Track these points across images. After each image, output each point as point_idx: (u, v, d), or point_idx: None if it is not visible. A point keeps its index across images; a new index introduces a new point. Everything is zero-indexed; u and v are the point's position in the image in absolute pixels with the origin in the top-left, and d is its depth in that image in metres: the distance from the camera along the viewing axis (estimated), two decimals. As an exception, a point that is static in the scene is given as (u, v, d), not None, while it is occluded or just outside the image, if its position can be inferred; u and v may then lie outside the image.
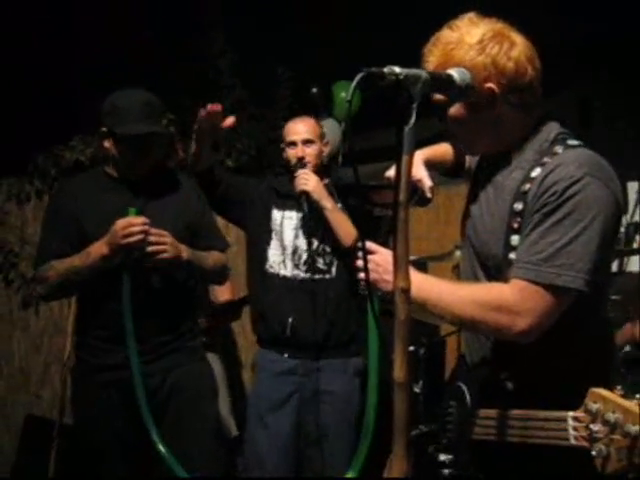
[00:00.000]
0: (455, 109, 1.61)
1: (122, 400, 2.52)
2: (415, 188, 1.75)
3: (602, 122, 4.70)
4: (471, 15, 1.62)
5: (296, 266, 2.96)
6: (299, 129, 3.03)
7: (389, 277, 1.53)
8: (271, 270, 2.98)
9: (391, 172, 1.83)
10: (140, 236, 2.38)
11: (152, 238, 2.41)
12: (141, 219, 2.40)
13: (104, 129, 2.53)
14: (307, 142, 3.00)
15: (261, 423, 2.93)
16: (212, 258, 2.67)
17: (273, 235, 3.00)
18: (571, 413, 1.36)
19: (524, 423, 1.50)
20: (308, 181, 2.90)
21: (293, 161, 3.00)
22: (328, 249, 2.98)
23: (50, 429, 3.89)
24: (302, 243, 2.97)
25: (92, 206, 2.54)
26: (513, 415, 1.54)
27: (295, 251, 2.97)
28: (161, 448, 2.44)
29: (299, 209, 2.98)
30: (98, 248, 2.41)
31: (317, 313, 2.91)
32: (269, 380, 2.96)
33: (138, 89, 2.53)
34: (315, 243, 2.96)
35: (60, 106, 4.60)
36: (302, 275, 2.96)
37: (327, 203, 2.90)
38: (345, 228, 2.90)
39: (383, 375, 2.16)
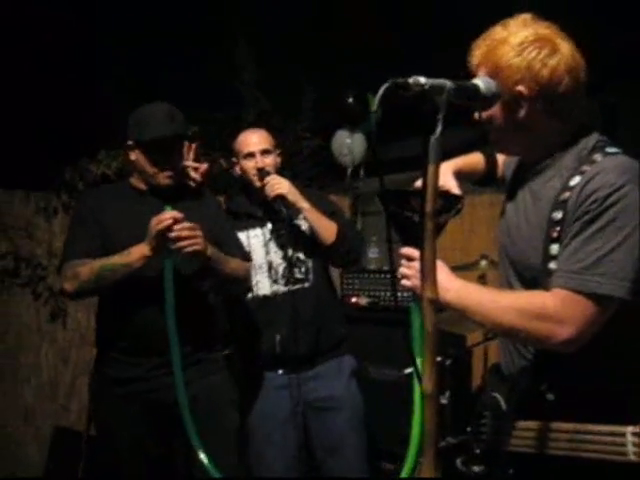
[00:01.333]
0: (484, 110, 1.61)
1: (144, 412, 2.52)
2: (454, 198, 1.74)
3: (628, 128, 4.66)
4: (526, 16, 1.61)
5: (274, 282, 2.92)
6: (255, 140, 2.96)
7: None
8: (250, 294, 2.91)
9: (420, 182, 1.82)
10: (171, 222, 2.37)
11: (185, 232, 2.40)
12: (177, 213, 2.41)
13: (130, 142, 2.58)
14: (265, 152, 2.94)
15: (268, 440, 2.89)
16: (235, 262, 2.67)
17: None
18: (630, 428, 1.32)
19: (573, 436, 1.47)
20: (281, 184, 2.84)
21: (252, 173, 2.93)
22: (302, 256, 2.94)
23: (78, 440, 3.91)
24: (275, 257, 2.92)
25: (118, 216, 2.56)
26: (559, 427, 1.51)
27: (270, 267, 2.93)
28: (202, 455, 2.44)
29: (263, 224, 2.94)
30: (140, 247, 2.41)
31: (303, 324, 2.87)
32: (270, 397, 2.91)
33: (160, 102, 2.58)
34: (290, 252, 2.91)
35: (86, 120, 4.66)
36: (282, 289, 2.91)
37: (304, 204, 2.85)
38: (325, 224, 2.87)
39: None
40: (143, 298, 2.48)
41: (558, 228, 1.53)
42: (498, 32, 1.59)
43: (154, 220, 2.38)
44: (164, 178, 2.57)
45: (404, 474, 2.36)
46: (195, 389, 2.56)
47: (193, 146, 2.91)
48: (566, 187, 1.54)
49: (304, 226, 2.94)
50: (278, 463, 2.88)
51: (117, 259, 2.43)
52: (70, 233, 2.65)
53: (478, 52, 1.60)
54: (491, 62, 1.55)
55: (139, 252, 2.40)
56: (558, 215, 1.53)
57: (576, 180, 1.52)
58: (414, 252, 1.60)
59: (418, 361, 1.82)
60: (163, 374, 2.49)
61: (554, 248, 1.54)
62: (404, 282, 1.62)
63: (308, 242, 2.94)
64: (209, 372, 2.64)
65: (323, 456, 2.95)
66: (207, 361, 2.65)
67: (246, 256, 2.80)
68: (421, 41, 4.87)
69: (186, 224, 2.40)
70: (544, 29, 1.59)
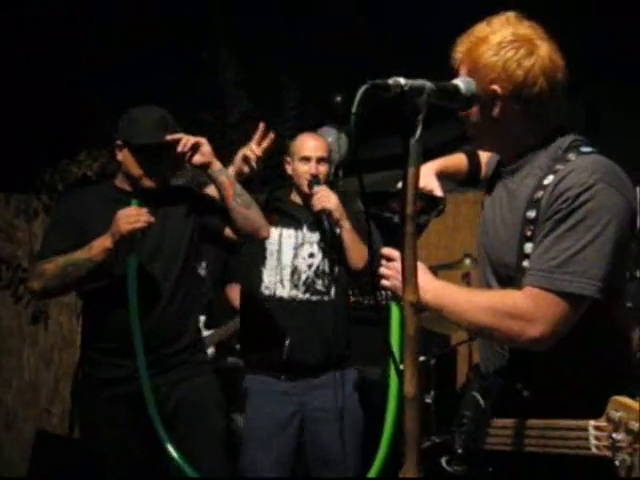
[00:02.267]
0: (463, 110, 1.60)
1: (129, 414, 2.51)
2: (436, 199, 1.74)
3: (610, 128, 4.68)
4: (511, 14, 1.61)
5: (295, 286, 2.89)
6: (314, 146, 2.94)
7: None
8: (267, 292, 2.90)
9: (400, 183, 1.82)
10: (143, 224, 2.38)
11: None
12: (145, 210, 2.40)
13: (119, 142, 2.56)
14: (321, 160, 2.92)
15: (262, 446, 2.86)
16: (248, 197, 2.61)
17: (268, 254, 2.91)
18: (592, 422, 1.33)
19: (543, 432, 1.48)
20: (329, 199, 2.82)
21: (305, 177, 2.90)
22: (327, 270, 2.92)
23: (61, 444, 3.89)
24: (302, 263, 2.90)
25: (100, 216, 2.53)
26: (531, 424, 1.52)
27: (294, 271, 2.90)
28: (174, 454, 2.42)
29: (298, 227, 2.92)
30: (101, 241, 2.39)
31: (314, 335, 2.85)
32: (266, 403, 2.88)
33: (153, 105, 2.58)
34: (315, 263, 2.90)
35: (66, 121, 4.62)
36: (300, 296, 2.89)
37: (346, 223, 2.84)
38: (358, 249, 2.85)
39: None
40: (124, 298, 2.45)
41: (532, 227, 1.53)
42: (481, 29, 1.59)
43: (123, 216, 2.36)
44: (149, 182, 2.55)
45: (372, 473, 2.36)
46: (180, 391, 2.56)
47: (270, 134, 2.72)
48: (540, 186, 1.54)
49: (339, 242, 2.90)
50: (271, 469, 2.85)
51: (79, 254, 2.41)
52: (46, 233, 2.65)
53: (461, 48, 1.61)
54: (471, 59, 1.56)
55: (101, 245, 2.39)
56: (532, 214, 1.53)
57: (549, 179, 1.52)
58: (394, 252, 1.61)
59: (396, 358, 1.83)
60: (150, 375, 2.47)
61: (528, 247, 1.54)
62: (384, 282, 1.62)
63: (339, 258, 2.91)
64: (194, 374, 2.62)
65: (316, 466, 2.93)
66: (192, 363, 2.63)
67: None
68: (405, 39, 4.87)
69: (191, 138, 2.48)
70: (525, 29, 1.58)
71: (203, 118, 5.01)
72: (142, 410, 2.44)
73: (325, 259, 2.90)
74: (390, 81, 1.22)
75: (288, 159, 3.00)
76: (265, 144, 2.70)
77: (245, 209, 2.56)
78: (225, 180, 2.55)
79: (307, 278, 2.90)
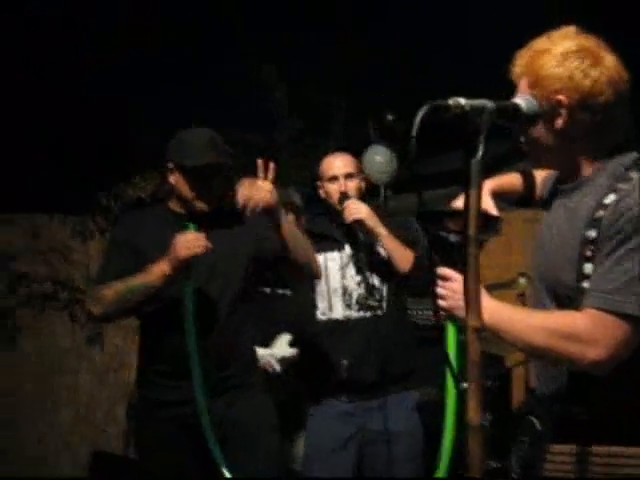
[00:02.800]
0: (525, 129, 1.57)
1: (183, 436, 2.51)
2: (492, 219, 1.70)
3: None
4: (570, 28, 1.59)
5: (348, 306, 2.89)
6: (339, 163, 2.96)
7: None
8: (322, 317, 2.90)
9: (458, 202, 1.80)
10: (201, 249, 2.38)
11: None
12: (202, 235, 2.41)
13: (170, 165, 2.58)
14: (348, 176, 2.92)
15: (322, 465, 2.85)
16: (305, 240, 2.63)
17: (316, 281, 2.90)
18: None
19: (606, 459, 1.44)
20: (359, 209, 2.82)
21: (335, 196, 2.90)
22: (377, 284, 2.90)
23: (116, 464, 3.92)
24: (351, 282, 2.90)
25: (155, 239, 2.55)
26: (592, 451, 1.47)
27: (345, 291, 2.90)
28: (229, 476, 2.41)
29: (340, 248, 2.92)
30: (159, 266, 2.41)
31: (372, 352, 2.82)
32: (327, 423, 2.87)
33: (203, 128, 2.60)
34: (366, 278, 2.87)
35: (121, 145, 4.71)
36: (355, 315, 2.89)
37: (381, 230, 2.82)
38: (401, 253, 2.83)
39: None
40: (181, 321, 2.46)
41: (592, 247, 1.49)
42: (541, 42, 1.57)
43: (180, 241, 2.38)
44: (201, 204, 2.57)
45: None
46: (235, 413, 2.55)
47: (272, 165, 2.80)
48: (600, 205, 1.50)
49: (381, 253, 2.90)
50: None
51: (137, 279, 2.44)
52: (104, 257, 2.68)
53: (521, 62, 1.58)
54: (533, 71, 1.53)
55: (159, 271, 2.40)
56: (592, 234, 1.49)
57: (611, 198, 1.48)
58: (450, 272, 1.58)
59: (452, 378, 1.80)
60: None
61: (588, 267, 1.50)
62: (440, 302, 1.59)
63: (384, 269, 2.90)
64: (249, 396, 2.62)
65: None
66: (247, 385, 2.63)
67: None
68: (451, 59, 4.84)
69: (266, 185, 2.41)
70: (587, 41, 1.56)
71: (252, 139, 5.06)
72: (197, 432, 2.45)
73: (373, 273, 2.88)
74: (450, 101, 1.20)
75: (319, 184, 3.02)
76: (270, 176, 2.66)
77: (304, 252, 2.61)
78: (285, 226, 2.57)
79: (359, 296, 2.89)
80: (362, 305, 2.88)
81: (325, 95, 5.26)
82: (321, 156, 4.68)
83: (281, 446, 2.78)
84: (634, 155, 1.57)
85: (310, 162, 4.99)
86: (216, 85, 5.15)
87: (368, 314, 2.88)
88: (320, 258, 2.90)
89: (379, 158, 5.37)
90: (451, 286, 1.56)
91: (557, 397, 1.61)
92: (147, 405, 2.60)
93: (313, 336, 2.93)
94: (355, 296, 2.90)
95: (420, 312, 4.17)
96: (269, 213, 2.47)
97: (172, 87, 5.08)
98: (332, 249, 2.95)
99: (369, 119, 5.44)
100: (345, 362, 2.84)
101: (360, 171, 3.03)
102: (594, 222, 1.50)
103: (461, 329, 1.59)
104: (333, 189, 2.92)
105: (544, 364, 1.68)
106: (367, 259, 2.87)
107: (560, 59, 1.52)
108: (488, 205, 1.83)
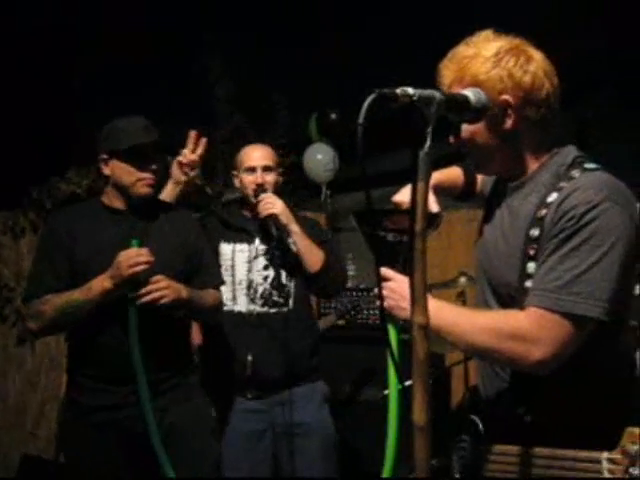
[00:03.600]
0: (470, 125, 1.57)
1: (117, 442, 2.43)
2: (431, 214, 1.69)
3: (600, 143, 4.67)
4: (488, 32, 1.60)
5: (252, 300, 2.84)
6: (258, 155, 2.91)
7: (405, 304, 1.50)
8: (225, 308, 2.80)
9: (398, 196, 1.78)
10: (145, 266, 2.32)
11: (148, 287, 2.35)
12: (146, 250, 2.35)
13: (104, 155, 2.50)
14: (266, 169, 2.88)
15: (236, 467, 2.80)
16: (210, 296, 2.60)
17: (223, 271, 2.85)
18: (606, 454, 1.28)
19: (549, 462, 1.44)
20: (274, 204, 2.78)
21: (251, 187, 2.86)
22: (284, 280, 2.87)
23: (46, 468, 3.78)
24: (257, 276, 2.86)
25: (87, 235, 2.47)
26: (536, 452, 1.47)
27: (250, 285, 2.86)
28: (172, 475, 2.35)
29: (251, 241, 2.88)
30: (100, 282, 2.34)
31: (277, 348, 2.80)
32: (238, 421, 2.83)
33: (135, 116, 2.54)
34: (271, 275, 2.85)
35: (55, 138, 4.57)
36: (259, 309, 2.84)
37: (294, 227, 2.79)
38: (313, 252, 2.82)
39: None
40: (113, 324, 2.40)
41: (535, 246, 1.50)
42: (465, 49, 1.58)
43: (124, 259, 2.31)
44: (143, 186, 2.48)
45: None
46: (172, 416, 2.48)
47: (203, 140, 2.80)
48: (543, 204, 1.51)
49: (292, 249, 2.87)
50: None
51: (78, 295, 2.36)
52: (34, 265, 2.55)
53: (448, 72, 1.57)
54: (468, 77, 1.52)
55: (100, 287, 2.33)
56: (535, 232, 1.50)
57: (553, 197, 1.49)
58: (388, 272, 1.58)
59: (394, 379, 1.78)
60: (137, 402, 2.39)
61: (531, 266, 1.51)
62: (379, 302, 1.57)
63: (293, 266, 2.87)
64: (185, 398, 2.56)
65: None
66: (184, 386, 2.56)
67: (220, 281, 2.73)
68: (396, 52, 4.85)
69: (161, 283, 2.35)
70: (512, 40, 1.58)
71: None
72: (132, 437, 2.38)
73: (281, 269, 2.85)
74: (398, 90, 1.17)
75: (235, 172, 2.97)
76: (199, 150, 2.78)
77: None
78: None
79: (264, 291, 2.86)
80: (267, 300, 2.85)
81: (268, 92, 5.22)
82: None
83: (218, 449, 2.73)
84: (574, 152, 1.59)
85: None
86: (160, 80, 5.06)
87: (273, 310, 2.85)
88: (228, 248, 2.88)
89: (321, 156, 5.36)
90: (389, 286, 1.56)
91: (501, 397, 1.62)
92: (78, 410, 2.50)
93: (218, 328, 2.86)
94: (260, 290, 2.86)
95: (372, 312, 4.19)
96: None
97: (113, 81, 4.97)
98: (242, 241, 2.90)
99: (311, 117, 5.43)
100: (250, 358, 2.79)
101: (279, 165, 2.98)
102: (537, 221, 1.51)
103: (401, 329, 1.57)
104: (249, 180, 2.88)
105: (488, 363, 1.68)
106: (277, 254, 2.83)
107: (495, 60, 1.53)
108: (430, 200, 1.83)
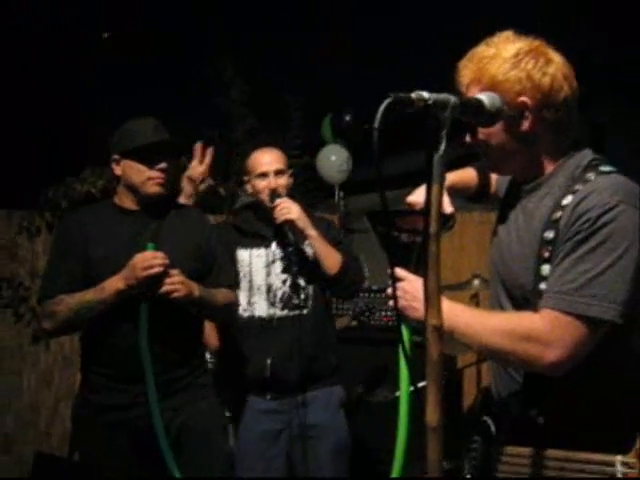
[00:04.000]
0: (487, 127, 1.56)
1: (128, 442, 2.44)
2: (445, 215, 1.69)
3: (616, 146, 4.65)
4: (508, 33, 1.60)
5: (272, 304, 2.86)
6: (269, 159, 2.90)
7: (417, 304, 1.51)
8: (245, 314, 2.86)
9: (412, 197, 1.79)
10: (160, 268, 2.34)
11: (173, 286, 2.37)
12: (161, 253, 2.36)
13: (116, 156, 2.52)
14: (279, 172, 2.88)
15: (251, 467, 2.83)
16: (222, 295, 2.61)
17: (241, 277, 2.88)
18: (620, 457, 1.28)
19: (561, 464, 1.44)
20: (290, 209, 2.78)
21: (265, 193, 2.86)
22: (303, 283, 2.88)
23: (60, 466, 3.81)
24: (275, 280, 2.87)
25: (100, 236, 2.49)
26: (548, 455, 1.47)
27: (269, 289, 2.87)
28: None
29: (268, 245, 2.89)
30: (114, 283, 2.35)
31: (296, 350, 2.80)
32: (255, 422, 2.85)
33: (147, 117, 2.55)
34: (290, 279, 2.86)
35: (71, 139, 4.60)
36: (279, 313, 2.85)
37: (311, 231, 2.79)
38: (331, 256, 2.82)
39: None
40: (127, 323, 2.40)
41: (550, 248, 1.50)
42: (484, 50, 1.57)
43: (139, 261, 2.32)
44: (154, 186, 2.49)
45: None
46: (183, 416, 2.49)
47: (209, 150, 2.83)
48: (558, 206, 1.51)
49: (309, 253, 2.88)
50: None
51: (91, 296, 2.38)
52: (49, 265, 2.58)
53: (468, 71, 1.57)
54: (486, 78, 1.52)
55: (113, 288, 2.35)
56: (550, 235, 1.50)
57: (569, 199, 1.49)
58: (401, 272, 1.58)
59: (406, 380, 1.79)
60: (148, 401, 2.41)
61: (545, 268, 1.50)
62: (392, 303, 1.58)
63: (311, 269, 2.87)
64: (197, 398, 2.56)
65: None
66: (195, 386, 2.57)
67: (233, 284, 2.74)
68: (410, 57, 4.86)
69: (176, 278, 2.37)
70: (533, 41, 1.58)
71: (207, 135, 4.99)
72: (144, 436, 2.39)
73: (299, 273, 2.86)
74: (413, 95, 1.18)
75: (246, 178, 2.96)
76: (207, 160, 2.81)
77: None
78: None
79: (283, 294, 2.87)
80: (286, 304, 2.86)
81: (282, 93, 5.23)
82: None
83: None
84: (590, 155, 1.58)
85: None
86: (173, 81, 5.08)
87: (292, 313, 2.85)
88: (246, 254, 2.89)
89: (334, 158, 5.37)
90: (402, 286, 1.56)
91: (514, 399, 1.62)
92: (91, 409, 2.51)
93: (237, 333, 2.88)
94: (279, 294, 2.87)
95: (384, 313, 4.19)
96: None
97: (128, 81, 4.99)
98: (259, 246, 2.90)
99: (326, 118, 5.44)
100: (269, 361, 2.81)
101: (288, 167, 2.98)
102: (552, 223, 1.50)
103: (414, 330, 1.58)
104: (262, 185, 2.87)
105: (501, 365, 1.68)
106: (294, 258, 2.85)
107: (514, 62, 1.52)
108: (443, 201, 1.83)
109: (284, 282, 2.87)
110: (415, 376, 1.45)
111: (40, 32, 4.84)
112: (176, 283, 2.38)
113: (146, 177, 2.48)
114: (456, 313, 1.52)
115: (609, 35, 4.33)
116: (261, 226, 2.93)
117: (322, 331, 2.92)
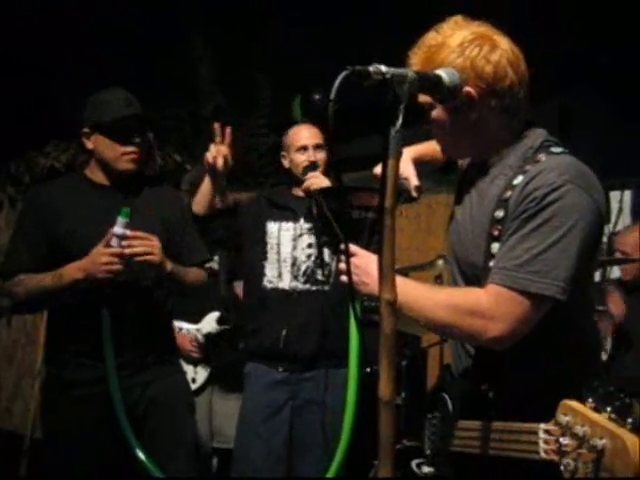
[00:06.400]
0: (436, 112, 1.58)
1: (98, 416, 2.42)
2: (401, 188, 1.70)
3: (582, 131, 4.70)
4: (458, 18, 1.59)
5: (295, 277, 2.91)
6: (309, 134, 2.98)
7: (367, 279, 1.52)
8: (270, 285, 2.92)
9: (379, 169, 1.79)
10: (120, 267, 2.31)
11: (138, 242, 2.34)
12: (126, 251, 2.33)
13: (87, 129, 2.47)
14: (318, 147, 2.95)
15: (255, 433, 2.87)
16: (193, 274, 2.61)
17: (269, 249, 2.94)
18: (542, 425, 1.31)
19: (500, 435, 1.46)
20: (321, 183, 2.81)
21: (303, 165, 2.91)
22: (327, 259, 2.92)
23: (20, 444, 3.78)
24: (301, 254, 2.92)
25: (70, 209, 2.44)
26: (491, 427, 1.49)
27: (294, 262, 2.92)
28: (142, 456, 2.37)
29: (296, 219, 2.94)
30: (72, 271, 2.32)
31: (311, 325, 2.86)
32: (261, 391, 2.90)
33: (116, 88, 2.51)
34: (314, 253, 2.91)
35: (34, 112, 4.51)
36: (300, 287, 2.90)
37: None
38: None
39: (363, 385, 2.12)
40: (96, 300, 2.38)
41: (499, 227, 1.52)
42: (433, 37, 1.57)
43: (101, 260, 2.29)
44: (127, 162, 2.46)
45: (331, 473, 2.33)
46: (152, 390, 2.49)
47: (228, 130, 2.67)
48: (509, 186, 1.53)
49: (335, 229, 2.91)
50: (261, 456, 2.84)
51: (49, 281, 2.35)
52: (12, 242, 2.52)
53: (416, 59, 1.57)
54: (433, 67, 1.51)
55: (71, 277, 2.32)
56: (500, 214, 1.52)
57: (519, 179, 1.51)
58: (352, 248, 1.58)
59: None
60: (124, 376, 2.40)
61: (495, 247, 1.53)
62: (342, 278, 1.58)
63: (336, 245, 2.88)
64: (169, 373, 2.58)
65: (297, 457, 2.92)
66: (165, 363, 2.57)
67: (206, 258, 2.73)
68: (377, 35, 4.84)
69: (155, 242, 2.35)
70: (479, 27, 1.58)
71: (176, 112, 4.95)
72: (112, 411, 2.38)
73: (324, 248, 2.91)
74: (371, 68, 1.17)
75: (284, 153, 3.03)
76: (227, 140, 2.64)
77: None
78: None
79: (307, 268, 2.92)
80: (309, 278, 2.90)
81: (251, 70, 5.19)
82: (244, 132, 4.63)
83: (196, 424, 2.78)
84: (544, 136, 1.60)
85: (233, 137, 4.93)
86: (142, 57, 5.01)
87: (314, 287, 2.90)
88: (274, 227, 2.94)
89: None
90: (353, 262, 1.55)
91: (467, 374, 1.65)
92: (58, 384, 2.49)
93: (260, 303, 2.93)
94: (303, 268, 2.91)
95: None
96: None
97: (95, 56, 4.91)
98: (288, 219, 2.96)
99: (296, 98, 5.41)
100: (284, 332, 2.85)
101: (327, 143, 3.00)
102: (502, 202, 1.53)
103: (363, 305, 1.59)
104: (301, 159, 2.94)
105: (459, 342, 1.70)
106: (321, 233, 2.89)
107: (459, 50, 1.52)
108: (409, 173, 1.85)
109: (309, 257, 2.92)
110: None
111: (6, 7, 4.74)
112: (155, 247, 2.36)
113: (120, 153, 2.44)
114: (405, 288, 1.51)
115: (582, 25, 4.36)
116: (291, 200, 2.99)
117: (341, 308, 2.87)
